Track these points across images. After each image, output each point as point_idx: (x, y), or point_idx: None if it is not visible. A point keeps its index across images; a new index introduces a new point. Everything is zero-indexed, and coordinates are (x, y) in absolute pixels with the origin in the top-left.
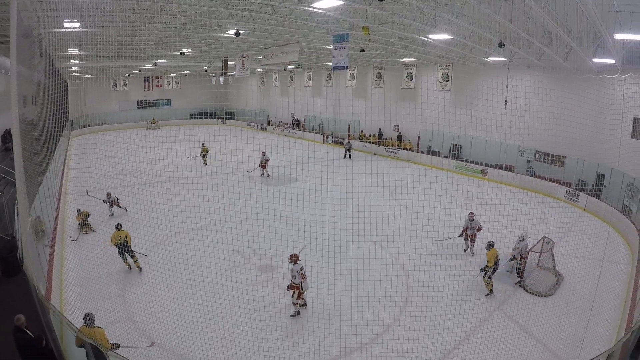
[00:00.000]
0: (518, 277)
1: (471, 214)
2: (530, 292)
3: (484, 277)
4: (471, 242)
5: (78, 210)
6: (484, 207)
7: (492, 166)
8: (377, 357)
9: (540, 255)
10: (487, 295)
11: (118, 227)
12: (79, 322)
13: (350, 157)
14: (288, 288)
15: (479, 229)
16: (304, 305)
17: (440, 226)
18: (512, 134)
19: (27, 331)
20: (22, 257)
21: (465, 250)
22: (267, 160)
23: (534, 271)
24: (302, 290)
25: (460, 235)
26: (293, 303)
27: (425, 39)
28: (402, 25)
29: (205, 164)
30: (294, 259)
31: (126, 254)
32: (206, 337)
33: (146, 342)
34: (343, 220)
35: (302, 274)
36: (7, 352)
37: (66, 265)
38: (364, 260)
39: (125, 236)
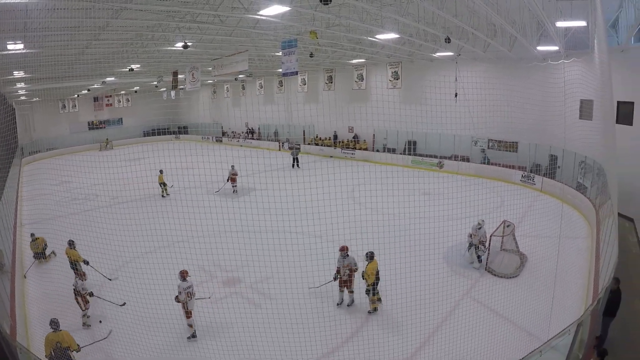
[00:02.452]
0: (479, 262)
1: (343, 249)
2: (496, 275)
3: (369, 294)
4: (347, 287)
5: (32, 235)
6: (441, 198)
7: (447, 158)
8: (350, 358)
9: (502, 238)
10: (369, 312)
11: (70, 244)
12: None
13: (298, 165)
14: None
15: (354, 270)
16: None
17: (400, 221)
18: (464, 126)
19: None
20: None
21: (338, 304)
22: (236, 175)
23: (498, 254)
24: (187, 309)
25: (335, 279)
26: (189, 325)
27: (373, 39)
28: (349, 27)
29: (163, 195)
30: (183, 275)
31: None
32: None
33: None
34: (304, 224)
35: (188, 292)
36: None
37: (28, 299)
38: (330, 262)
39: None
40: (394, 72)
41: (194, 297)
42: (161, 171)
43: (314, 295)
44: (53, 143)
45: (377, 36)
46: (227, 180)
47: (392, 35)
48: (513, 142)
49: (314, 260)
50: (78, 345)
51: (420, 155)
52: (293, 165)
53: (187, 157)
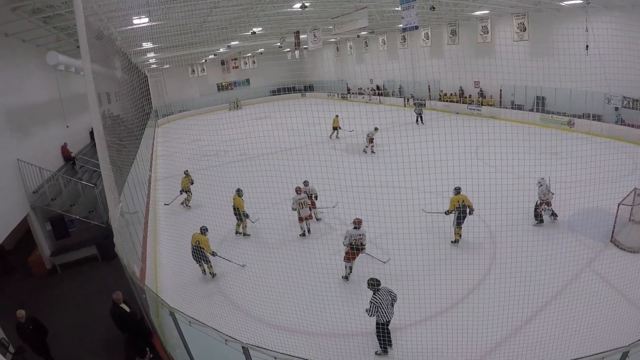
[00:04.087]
0: (536, 220)
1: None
2: (621, 248)
3: (453, 225)
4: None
5: (186, 172)
6: (570, 159)
7: (578, 116)
8: (464, 318)
9: (632, 208)
10: (452, 242)
11: (239, 192)
12: (173, 300)
13: (422, 122)
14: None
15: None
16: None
17: (526, 183)
18: (597, 81)
19: (124, 306)
20: None
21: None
22: (372, 138)
23: (625, 226)
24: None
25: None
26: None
27: None
28: None
29: (331, 137)
30: (299, 189)
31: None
32: (292, 305)
33: (239, 265)
34: (427, 183)
35: (300, 202)
36: (109, 324)
37: (160, 246)
38: (451, 222)
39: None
40: (520, 23)
41: (305, 206)
42: (337, 115)
43: (429, 253)
44: (185, 105)
45: None
46: (367, 139)
47: None
48: None
49: (435, 219)
50: (213, 251)
51: (550, 112)
52: (417, 122)
53: (314, 112)
